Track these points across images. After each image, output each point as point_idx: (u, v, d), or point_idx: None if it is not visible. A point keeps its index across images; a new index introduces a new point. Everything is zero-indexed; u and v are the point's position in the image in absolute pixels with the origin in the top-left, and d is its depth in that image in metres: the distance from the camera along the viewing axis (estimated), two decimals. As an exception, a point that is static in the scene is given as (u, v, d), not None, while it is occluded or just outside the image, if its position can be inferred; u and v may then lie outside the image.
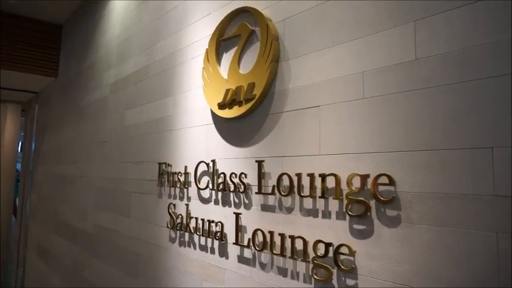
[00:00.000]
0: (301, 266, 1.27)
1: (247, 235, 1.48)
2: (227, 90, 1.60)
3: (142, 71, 2.46)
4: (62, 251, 3.59)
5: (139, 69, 2.50)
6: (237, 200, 1.56)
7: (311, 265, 1.22)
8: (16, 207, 6.24)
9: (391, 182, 1.03)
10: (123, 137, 2.62)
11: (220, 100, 1.63)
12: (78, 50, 3.81)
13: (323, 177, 1.20)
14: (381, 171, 1.06)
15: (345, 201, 1.14)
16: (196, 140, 1.85)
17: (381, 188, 1.06)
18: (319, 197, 1.22)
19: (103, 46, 3.20)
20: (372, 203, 1.08)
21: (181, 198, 1.92)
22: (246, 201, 1.52)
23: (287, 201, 1.34)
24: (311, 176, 1.24)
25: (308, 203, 1.27)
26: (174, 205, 1.95)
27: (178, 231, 1.91)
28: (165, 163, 2.05)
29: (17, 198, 6.24)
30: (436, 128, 0.97)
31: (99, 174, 2.94)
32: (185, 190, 1.89)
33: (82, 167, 3.32)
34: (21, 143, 6.10)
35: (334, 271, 1.16)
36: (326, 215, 1.21)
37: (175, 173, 1.95)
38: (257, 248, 1.42)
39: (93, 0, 3.59)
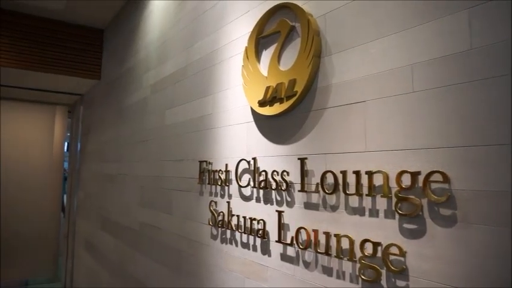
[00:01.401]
0: (347, 266, 1.24)
1: (290, 233, 1.47)
2: (267, 88, 1.60)
3: (181, 72, 2.51)
4: (107, 246, 3.74)
5: (178, 70, 2.55)
6: (279, 198, 1.56)
7: (358, 265, 1.19)
8: (64, 204, 6.60)
9: (446, 179, 0.98)
10: (163, 136, 2.68)
11: (260, 98, 1.63)
12: (119, 53, 3.95)
13: (370, 174, 1.17)
14: (433, 168, 1.02)
15: (394, 200, 1.10)
16: (237, 138, 1.86)
17: (434, 185, 1.01)
18: (366, 195, 1.19)
19: (142, 49, 3.29)
20: (424, 201, 1.04)
21: (222, 196, 1.94)
22: (289, 199, 1.51)
23: (331, 199, 1.32)
24: (357, 173, 1.21)
25: (354, 201, 1.24)
26: (216, 203, 1.98)
27: (219, 229, 1.93)
28: (206, 161, 2.08)
29: (65, 196, 6.59)
30: (493, 121, 0.91)
31: (141, 173, 3.04)
32: (226, 188, 1.91)
33: (125, 165, 3.45)
34: (68, 143, 6.42)
35: (383, 271, 1.12)
36: (373, 213, 1.17)
37: (215, 170, 1.97)
38: (301, 247, 1.41)
39: (132, 4, 3.71)
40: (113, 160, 3.81)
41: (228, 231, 1.86)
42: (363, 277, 1.17)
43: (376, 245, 1.14)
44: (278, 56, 1.60)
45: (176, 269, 2.33)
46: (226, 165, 1.91)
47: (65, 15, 4.29)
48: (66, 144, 6.33)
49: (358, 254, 1.19)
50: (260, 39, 1.73)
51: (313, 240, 1.36)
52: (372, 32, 1.23)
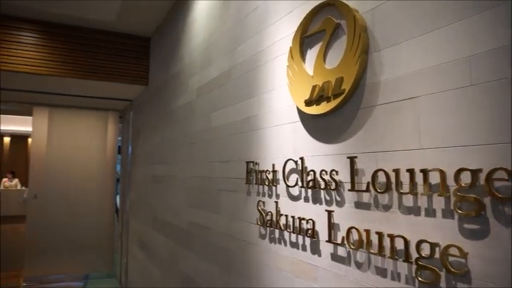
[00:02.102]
0: (402, 267, 1.21)
1: (341, 233, 1.45)
2: (314, 87, 1.59)
3: (225, 75, 2.56)
4: (158, 244, 3.90)
5: (222, 73, 2.60)
6: (328, 198, 1.54)
7: (414, 266, 1.15)
8: (117, 204, 6.96)
9: (510, 176, 0.93)
10: (209, 138, 2.75)
11: (306, 97, 1.62)
12: (165, 60, 4.10)
13: (425, 172, 1.13)
14: (495, 165, 0.96)
15: (453, 199, 1.05)
16: (283, 138, 1.87)
17: (498, 183, 0.96)
18: (421, 194, 1.15)
19: (187, 54, 3.39)
20: (487, 200, 0.98)
21: (270, 196, 1.95)
22: (338, 198, 1.49)
23: (384, 199, 1.29)
24: (411, 171, 1.17)
25: (408, 200, 1.20)
26: (263, 202, 2.00)
27: (268, 228, 1.94)
28: (253, 162, 2.11)
29: (118, 197, 6.95)
30: None
31: (189, 174, 3.13)
32: (273, 188, 1.92)
33: (173, 167, 3.57)
34: (119, 146, 6.77)
35: (442, 274, 1.08)
36: (430, 213, 1.13)
37: (262, 171, 1.99)
38: (352, 247, 1.39)
39: (175, 12, 3.84)
40: (162, 162, 3.96)
41: (277, 231, 1.87)
42: (419, 279, 1.13)
43: (434, 245, 1.10)
44: (324, 55, 1.58)
45: (225, 268, 2.37)
46: (273, 165, 1.92)
47: (115, 26, 4.53)
48: (117, 147, 6.68)
49: (414, 254, 1.15)
50: (304, 39, 1.72)
51: (365, 240, 1.33)
52: (423, 25, 1.19)
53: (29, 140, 12.11)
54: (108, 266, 6.33)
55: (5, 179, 11.96)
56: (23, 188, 11.46)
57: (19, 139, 14.52)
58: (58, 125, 6.14)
